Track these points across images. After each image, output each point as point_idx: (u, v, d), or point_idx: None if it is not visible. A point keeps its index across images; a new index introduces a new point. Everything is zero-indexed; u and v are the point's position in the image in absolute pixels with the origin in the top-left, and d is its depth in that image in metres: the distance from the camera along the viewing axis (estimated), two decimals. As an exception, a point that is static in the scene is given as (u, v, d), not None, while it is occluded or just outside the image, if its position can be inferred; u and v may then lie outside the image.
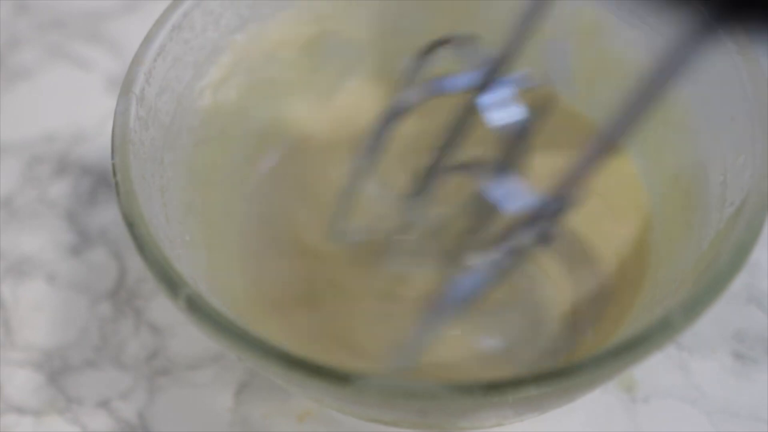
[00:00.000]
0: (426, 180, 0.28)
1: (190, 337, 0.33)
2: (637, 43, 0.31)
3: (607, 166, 0.33)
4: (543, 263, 0.30)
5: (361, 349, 0.29)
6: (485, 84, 0.25)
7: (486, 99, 0.25)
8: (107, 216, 0.37)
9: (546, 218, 0.22)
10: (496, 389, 0.22)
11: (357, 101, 0.35)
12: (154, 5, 0.30)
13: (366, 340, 0.30)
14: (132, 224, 0.25)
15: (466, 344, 0.29)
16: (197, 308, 0.24)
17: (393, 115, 0.26)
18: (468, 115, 0.26)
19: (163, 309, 0.34)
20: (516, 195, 0.23)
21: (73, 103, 0.41)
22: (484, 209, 0.25)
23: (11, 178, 0.38)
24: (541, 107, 0.24)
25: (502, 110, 0.25)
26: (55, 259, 0.36)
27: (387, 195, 0.31)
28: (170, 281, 0.24)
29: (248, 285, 0.31)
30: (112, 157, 0.26)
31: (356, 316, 0.30)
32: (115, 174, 0.26)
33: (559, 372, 0.22)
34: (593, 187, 0.32)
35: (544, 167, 0.32)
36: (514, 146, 0.24)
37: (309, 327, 0.30)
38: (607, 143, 0.20)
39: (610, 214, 0.32)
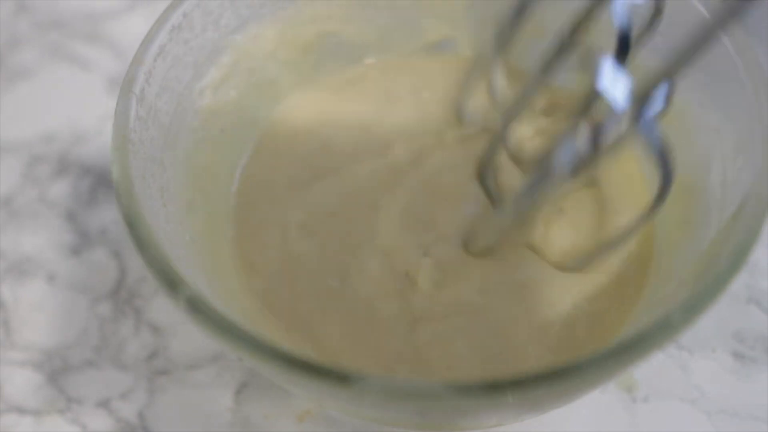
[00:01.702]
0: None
1: (190, 337, 0.33)
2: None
3: (613, 166, 0.33)
4: (544, 263, 0.30)
5: (367, 350, 0.29)
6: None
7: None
8: (107, 216, 0.37)
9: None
10: (496, 389, 0.22)
11: (357, 100, 0.35)
12: (154, 5, 0.30)
13: (373, 338, 0.30)
14: (132, 224, 0.25)
15: (466, 344, 0.29)
16: (197, 308, 0.24)
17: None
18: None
19: (163, 309, 0.34)
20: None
21: (73, 103, 0.41)
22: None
23: (11, 178, 0.38)
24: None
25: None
26: (55, 259, 0.36)
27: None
28: (170, 281, 0.24)
29: (248, 285, 0.31)
30: (112, 157, 0.26)
31: (362, 315, 0.30)
32: (114, 174, 0.26)
33: (559, 372, 0.22)
34: (595, 187, 0.32)
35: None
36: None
37: (310, 326, 0.30)
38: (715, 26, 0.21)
39: (613, 214, 0.32)
